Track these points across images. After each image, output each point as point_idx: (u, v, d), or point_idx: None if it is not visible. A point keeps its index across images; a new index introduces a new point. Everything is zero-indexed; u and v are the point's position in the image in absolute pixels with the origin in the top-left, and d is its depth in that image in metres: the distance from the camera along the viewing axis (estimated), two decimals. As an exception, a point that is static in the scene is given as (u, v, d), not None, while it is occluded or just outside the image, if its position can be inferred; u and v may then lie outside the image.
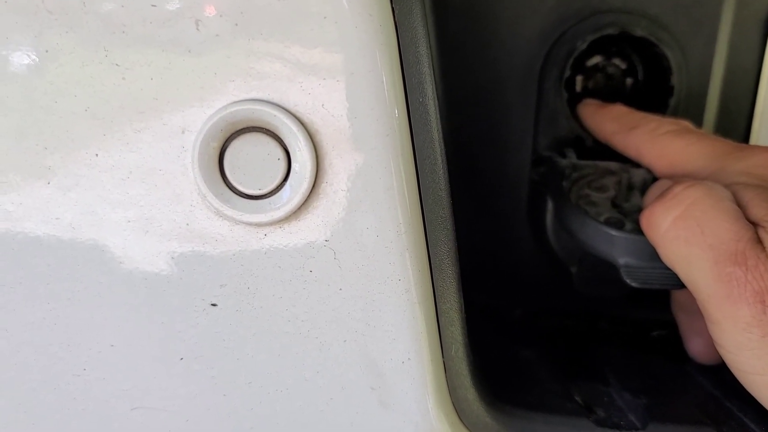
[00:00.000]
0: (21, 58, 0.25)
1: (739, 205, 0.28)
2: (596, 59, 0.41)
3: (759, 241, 0.26)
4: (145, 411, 0.28)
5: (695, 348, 0.35)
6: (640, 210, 0.33)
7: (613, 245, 0.32)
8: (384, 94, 0.24)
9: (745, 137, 0.41)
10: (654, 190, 0.34)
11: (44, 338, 0.27)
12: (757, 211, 0.27)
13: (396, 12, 0.25)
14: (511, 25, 0.40)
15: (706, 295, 0.26)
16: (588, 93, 0.42)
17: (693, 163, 0.32)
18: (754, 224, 0.27)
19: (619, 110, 0.37)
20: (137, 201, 0.26)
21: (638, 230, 0.31)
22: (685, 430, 0.31)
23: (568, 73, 0.39)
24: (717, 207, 0.27)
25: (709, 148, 0.31)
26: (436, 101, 0.27)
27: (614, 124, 0.36)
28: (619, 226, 0.33)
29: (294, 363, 0.27)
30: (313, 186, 0.25)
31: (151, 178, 0.25)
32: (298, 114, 0.25)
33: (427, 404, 0.28)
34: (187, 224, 0.26)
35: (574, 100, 0.41)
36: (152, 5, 0.24)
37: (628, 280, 0.31)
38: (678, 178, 0.32)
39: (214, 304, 0.27)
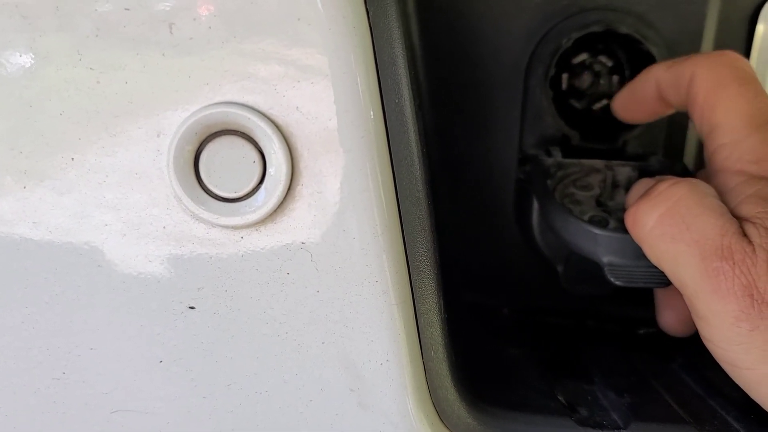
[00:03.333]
0: (-5, 63, 0.25)
1: (729, 199, 0.28)
2: (582, 57, 0.41)
3: (744, 235, 0.26)
4: (126, 414, 0.28)
5: (668, 321, 0.35)
6: (624, 208, 0.33)
7: (596, 244, 0.32)
8: (359, 95, 0.24)
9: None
10: (637, 188, 0.33)
11: (23, 342, 0.27)
12: (751, 208, 0.26)
13: (371, 14, 0.25)
14: (496, 24, 0.40)
15: (693, 291, 0.26)
16: (574, 91, 0.41)
17: (727, 120, 0.29)
18: (744, 219, 0.26)
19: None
20: (114, 204, 0.26)
21: (622, 228, 0.31)
22: (667, 429, 0.31)
23: (553, 71, 0.39)
24: (701, 203, 0.27)
25: (751, 110, 0.29)
26: (413, 102, 0.27)
27: (663, 65, 0.34)
28: (603, 224, 0.33)
29: (273, 365, 0.27)
30: (289, 188, 0.25)
31: (128, 182, 0.25)
32: (272, 117, 0.24)
33: (407, 405, 0.28)
34: (164, 227, 0.26)
35: (560, 98, 0.41)
36: (125, 8, 0.24)
37: (612, 279, 0.31)
38: (704, 126, 0.30)
39: (192, 307, 0.27)
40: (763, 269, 0.25)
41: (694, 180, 0.29)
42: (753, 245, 0.25)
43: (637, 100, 0.36)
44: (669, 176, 0.31)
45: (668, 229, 0.27)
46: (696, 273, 0.26)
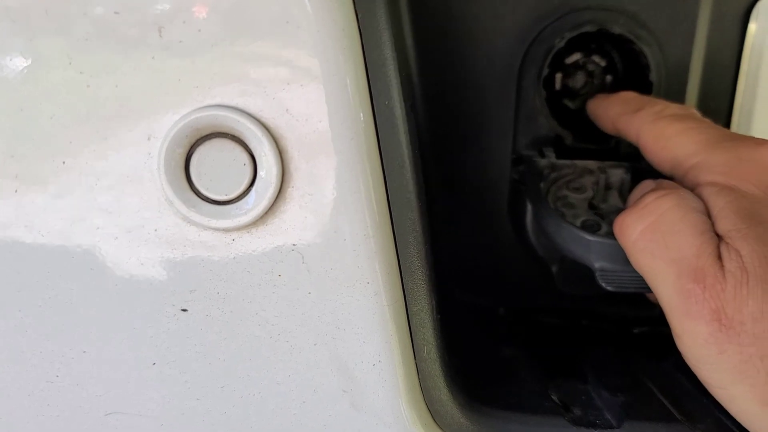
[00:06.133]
0: (-14, 67, 0.25)
1: (710, 213, 0.28)
2: (575, 57, 0.41)
3: (719, 257, 0.26)
4: (119, 416, 0.28)
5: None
6: (617, 211, 0.33)
7: (588, 250, 0.32)
8: (348, 97, 0.25)
9: (724, 133, 0.41)
10: (636, 192, 0.34)
11: (16, 345, 0.27)
12: (725, 223, 0.27)
13: (360, 16, 0.25)
14: (489, 24, 0.40)
15: (669, 308, 0.27)
16: (567, 91, 0.41)
17: (682, 149, 0.31)
18: (721, 236, 0.27)
19: (628, 94, 0.37)
20: (105, 208, 0.26)
21: (614, 234, 0.31)
22: (660, 427, 0.31)
23: (546, 71, 0.39)
24: (684, 220, 0.27)
25: (702, 136, 0.31)
26: (403, 103, 0.27)
27: (621, 106, 0.36)
28: (595, 229, 0.33)
29: (265, 367, 0.27)
30: (280, 191, 0.25)
31: (119, 185, 0.25)
32: (262, 119, 0.25)
33: (400, 406, 0.28)
34: (156, 230, 0.26)
35: (553, 98, 0.41)
36: (115, 12, 0.24)
37: (603, 284, 0.31)
38: (665, 163, 0.32)
39: (184, 310, 0.27)
40: (731, 294, 0.25)
41: (682, 192, 0.29)
42: (724, 269, 0.25)
43: (601, 124, 0.38)
44: (662, 185, 0.31)
45: (649, 244, 0.28)
46: (671, 291, 0.26)
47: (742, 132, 0.40)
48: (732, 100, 0.41)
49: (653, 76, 0.39)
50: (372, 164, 0.25)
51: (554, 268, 0.39)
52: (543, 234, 0.36)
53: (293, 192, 0.25)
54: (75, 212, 0.26)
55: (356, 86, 0.25)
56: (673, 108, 0.34)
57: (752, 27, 0.40)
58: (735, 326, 0.25)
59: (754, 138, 0.30)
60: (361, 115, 0.25)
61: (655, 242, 0.27)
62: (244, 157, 0.25)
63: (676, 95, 0.40)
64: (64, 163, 0.25)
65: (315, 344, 0.27)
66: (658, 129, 0.33)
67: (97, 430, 0.28)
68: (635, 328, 0.41)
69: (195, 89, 0.24)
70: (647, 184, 0.33)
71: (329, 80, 0.24)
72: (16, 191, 0.26)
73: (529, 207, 0.38)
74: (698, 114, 0.34)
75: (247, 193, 0.25)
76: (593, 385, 0.34)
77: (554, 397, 0.33)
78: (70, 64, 0.24)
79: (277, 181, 0.25)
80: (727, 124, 0.41)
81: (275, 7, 0.24)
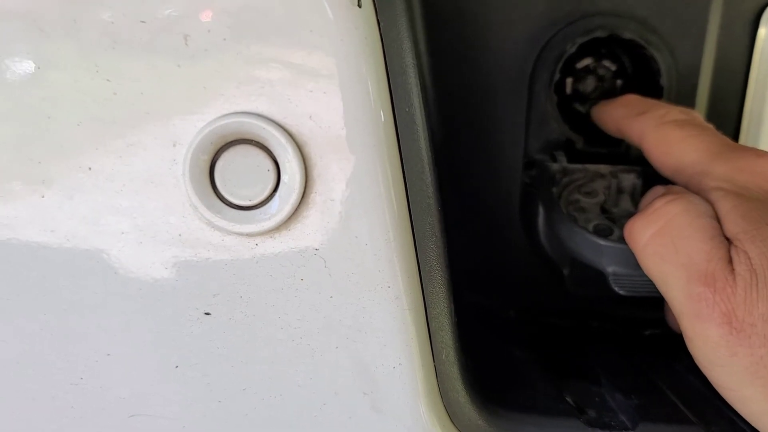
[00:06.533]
0: (14, 75, 0.25)
1: (718, 217, 0.28)
2: (586, 61, 0.42)
3: (730, 260, 0.26)
4: (143, 418, 0.28)
5: (675, 321, 0.36)
6: (629, 215, 0.33)
7: (601, 254, 0.33)
8: (370, 104, 0.25)
9: (734, 137, 0.41)
10: (647, 197, 0.34)
11: (42, 348, 0.28)
12: (732, 227, 0.27)
13: (381, 24, 0.25)
14: (501, 30, 0.40)
15: (679, 312, 0.27)
16: (578, 95, 0.42)
17: (685, 157, 0.32)
18: (730, 240, 0.27)
19: (631, 97, 0.38)
20: (131, 213, 0.26)
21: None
22: (675, 429, 0.31)
23: (557, 76, 0.40)
24: (693, 225, 0.28)
25: (704, 144, 0.31)
26: (423, 109, 0.27)
27: (624, 109, 0.37)
28: (607, 233, 0.34)
29: (287, 369, 0.28)
30: (303, 196, 0.26)
31: (144, 191, 0.26)
32: (286, 126, 0.25)
33: (419, 408, 0.28)
34: (180, 235, 0.26)
35: (564, 102, 0.41)
36: (141, 21, 0.25)
37: (615, 288, 0.32)
38: (667, 169, 0.33)
39: (207, 313, 0.27)
40: (741, 297, 0.25)
41: (690, 197, 0.29)
42: (734, 272, 0.26)
43: (606, 126, 0.38)
44: (672, 190, 0.31)
45: (659, 248, 0.28)
46: (681, 295, 0.27)
47: (752, 135, 0.41)
48: (742, 104, 0.41)
49: (664, 81, 0.39)
50: (393, 170, 0.26)
51: (565, 271, 0.40)
52: (555, 238, 0.36)
53: (316, 197, 0.26)
54: (100, 217, 0.26)
55: (378, 93, 0.25)
56: (676, 112, 0.34)
57: (762, 32, 0.40)
58: (746, 329, 0.25)
59: (754, 149, 0.30)
60: (383, 121, 0.25)
61: (664, 247, 0.28)
62: (268, 163, 0.25)
63: (687, 99, 0.40)
64: (90, 168, 0.26)
65: (336, 347, 0.27)
66: (660, 134, 0.33)
67: (120, 432, 0.29)
68: (646, 329, 0.41)
69: (220, 96, 0.25)
70: (657, 189, 0.34)
71: (351, 88, 0.25)
72: (42, 197, 0.26)
73: (541, 210, 0.38)
74: (701, 119, 0.34)
75: (271, 199, 0.26)
76: (606, 387, 0.35)
77: (568, 399, 0.33)
78: (98, 72, 0.25)
79: (300, 187, 0.25)
80: (736, 127, 0.41)
81: (298, 16, 0.24)
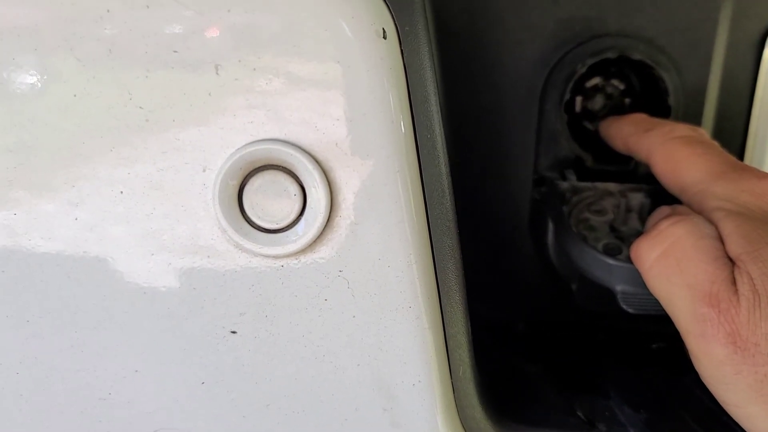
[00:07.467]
0: (50, 102, 0.26)
1: (721, 237, 0.29)
2: (595, 80, 0.43)
3: (734, 281, 0.27)
4: (168, 432, 0.29)
5: None
6: (637, 234, 0.34)
7: (610, 273, 0.33)
8: (394, 133, 0.26)
9: (739, 155, 0.42)
10: (652, 218, 0.35)
11: (71, 364, 0.28)
12: (734, 248, 0.28)
13: (405, 54, 0.26)
14: (512, 50, 0.41)
15: (685, 331, 0.28)
16: (587, 113, 0.43)
17: (690, 175, 0.32)
18: (733, 260, 0.28)
19: (639, 116, 0.39)
20: (160, 236, 0.27)
21: None
22: (683, 444, 0.32)
23: (568, 96, 0.41)
24: (697, 246, 0.28)
25: (708, 164, 0.32)
26: (443, 136, 0.28)
27: (632, 126, 0.37)
28: (616, 252, 0.34)
29: (310, 386, 0.29)
30: (328, 220, 0.26)
31: (174, 214, 0.27)
32: (313, 152, 0.26)
33: (437, 424, 0.29)
34: (208, 257, 0.27)
35: (574, 121, 0.42)
36: (174, 51, 0.25)
37: (624, 306, 0.33)
38: (673, 186, 0.33)
39: (233, 332, 0.28)
40: (744, 317, 0.26)
41: (694, 219, 0.30)
42: (738, 293, 0.27)
43: (613, 143, 0.39)
44: (677, 210, 0.32)
45: (664, 270, 0.29)
46: (687, 315, 0.27)
47: (757, 154, 0.42)
48: (747, 123, 0.42)
49: (671, 101, 0.40)
50: (415, 195, 0.27)
51: (574, 286, 0.40)
52: (564, 255, 0.37)
53: (340, 221, 0.27)
54: (131, 239, 0.27)
55: (401, 122, 0.26)
56: (682, 129, 0.35)
57: (767, 53, 0.41)
58: (750, 348, 0.26)
59: (756, 170, 0.31)
60: (405, 149, 0.26)
61: (669, 268, 0.28)
62: (295, 188, 0.26)
63: (694, 118, 0.41)
64: (121, 192, 0.27)
65: (358, 365, 0.28)
66: (667, 151, 0.34)
67: (146, 446, 0.29)
68: (653, 343, 0.42)
69: (249, 124, 0.26)
70: (663, 210, 0.35)
71: (376, 117, 0.26)
72: (76, 219, 0.27)
73: (550, 227, 0.39)
74: (706, 136, 0.35)
75: (297, 222, 0.27)
76: (616, 401, 0.36)
77: (579, 413, 0.34)
78: (131, 99, 0.26)
79: (325, 211, 0.26)
80: (742, 146, 0.42)
81: (326, 48, 0.25)
